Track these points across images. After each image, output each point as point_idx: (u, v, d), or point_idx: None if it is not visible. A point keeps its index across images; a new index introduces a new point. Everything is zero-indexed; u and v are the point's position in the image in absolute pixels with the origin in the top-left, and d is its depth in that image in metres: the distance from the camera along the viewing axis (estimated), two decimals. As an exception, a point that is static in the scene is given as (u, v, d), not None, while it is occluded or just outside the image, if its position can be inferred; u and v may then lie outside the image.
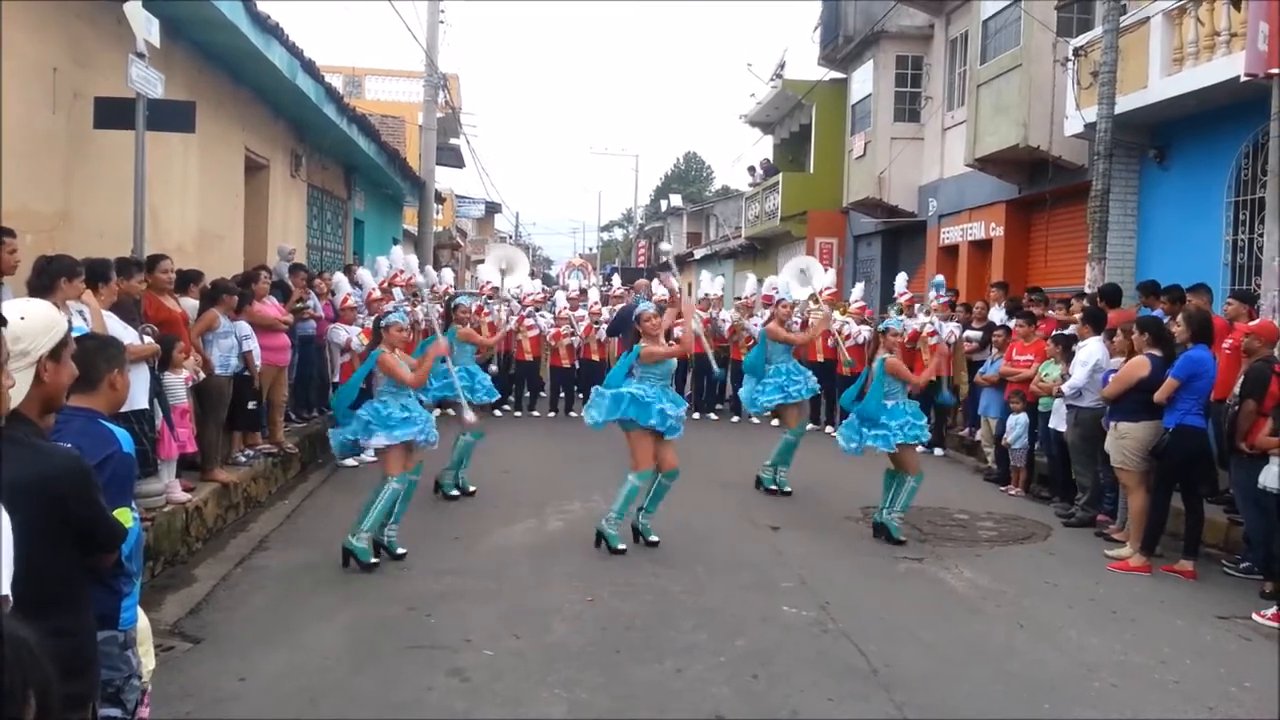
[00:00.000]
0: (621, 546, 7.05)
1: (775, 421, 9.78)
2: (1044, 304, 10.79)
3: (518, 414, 14.15)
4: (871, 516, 7.93)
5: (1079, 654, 5.34)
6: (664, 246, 20.79)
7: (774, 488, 9.25)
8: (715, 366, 10.62)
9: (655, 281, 16.72)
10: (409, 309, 12.00)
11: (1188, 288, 8.68)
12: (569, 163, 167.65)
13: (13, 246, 5.56)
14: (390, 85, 28.97)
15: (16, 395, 2.40)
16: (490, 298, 13.82)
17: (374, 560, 6.52)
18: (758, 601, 6.03)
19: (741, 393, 9.76)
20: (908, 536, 7.73)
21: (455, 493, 8.66)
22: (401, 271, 13.51)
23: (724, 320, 14.32)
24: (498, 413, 13.20)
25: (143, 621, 3.05)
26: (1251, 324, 7.44)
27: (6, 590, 1.70)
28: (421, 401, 7.26)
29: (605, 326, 14.47)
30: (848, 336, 12.75)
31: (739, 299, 14.88)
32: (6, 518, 1.73)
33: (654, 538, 7.24)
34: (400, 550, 6.75)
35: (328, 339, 10.73)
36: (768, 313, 12.67)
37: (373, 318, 9.16)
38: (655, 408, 7.03)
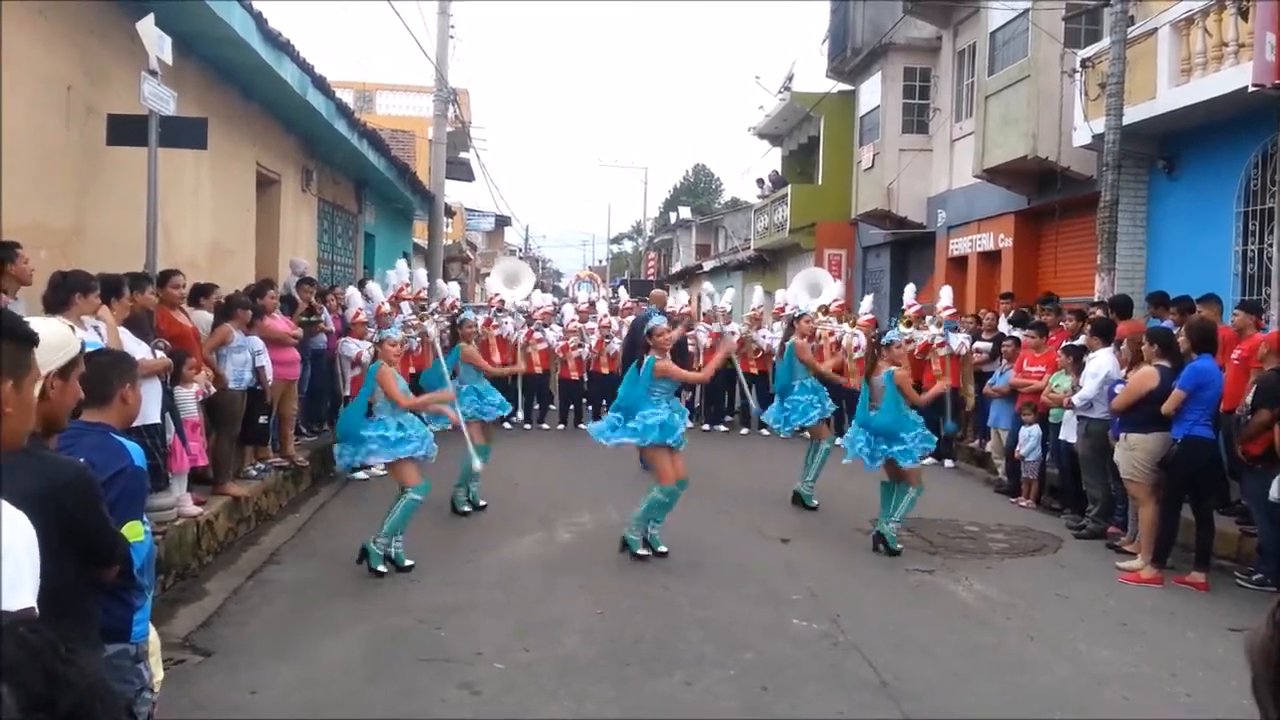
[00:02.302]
0: (642, 552, 7.14)
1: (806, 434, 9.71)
2: (1056, 314, 10.72)
3: (527, 427, 14.17)
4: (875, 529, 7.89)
5: (1090, 666, 5.32)
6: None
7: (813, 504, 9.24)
8: (754, 403, 10.24)
9: (668, 293, 16.71)
10: (415, 323, 12.07)
11: (1197, 298, 8.66)
12: (578, 176, 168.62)
13: (25, 258, 5.60)
14: (400, 100, 29.16)
15: None
16: (500, 310, 13.88)
17: (382, 569, 6.62)
18: (767, 614, 6.03)
19: (768, 414, 9.59)
20: (918, 548, 7.72)
21: (467, 508, 8.63)
22: (407, 285, 13.58)
23: (732, 333, 14.31)
24: (507, 425, 13.20)
25: (152, 635, 3.07)
26: (1261, 335, 7.43)
27: (32, 601, 1.72)
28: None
29: (617, 340, 14.49)
30: (857, 348, 12.73)
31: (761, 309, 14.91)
32: (30, 528, 1.76)
33: (663, 548, 7.26)
34: (408, 562, 6.79)
35: (339, 352, 10.78)
36: (778, 326, 12.69)
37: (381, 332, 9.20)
38: (676, 429, 7.16)
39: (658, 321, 7.53)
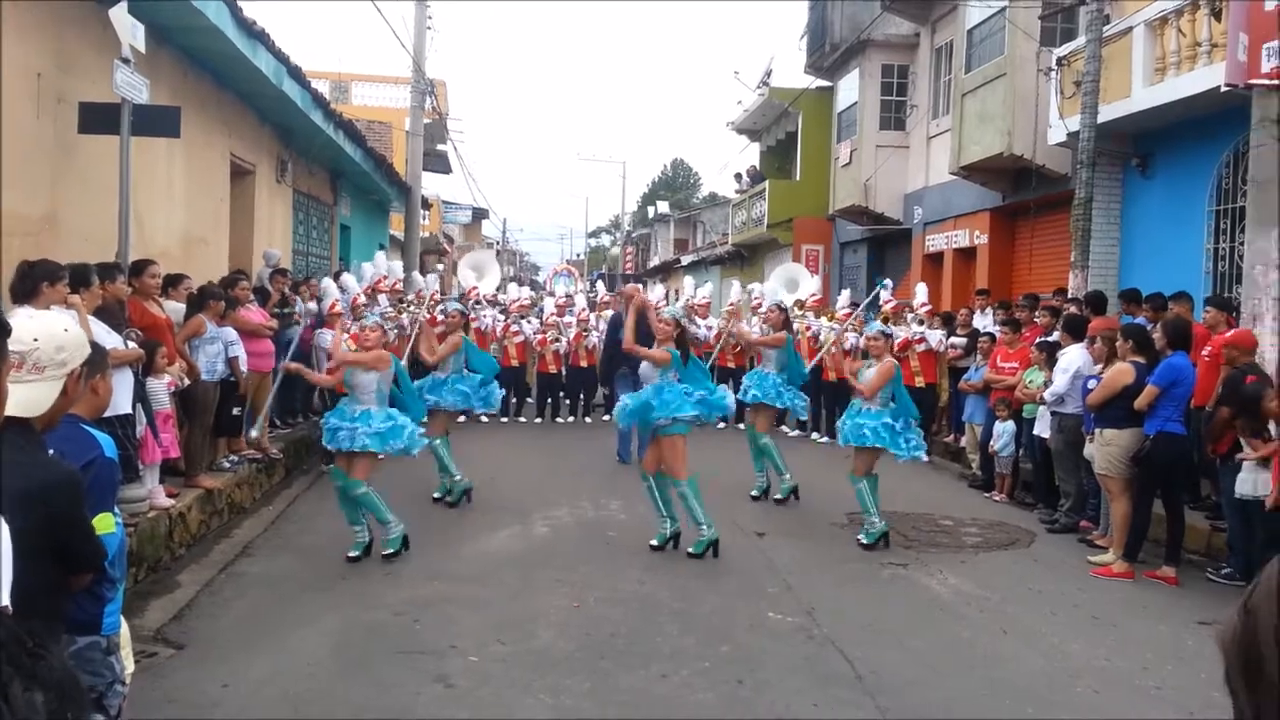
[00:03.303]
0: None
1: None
2: (1031, 309, 10.77)
3: (504, 420, 14.12)
4: (862, 527, 7.86)
5: (1062, 659, 5.37)
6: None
7: (766, 496, 9.28)
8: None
9: (641, 287, 16.74)
10: (393, 315, 12.03)
11: (1169, 296, 8.75)
12: (556, 169, 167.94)
13: None
14: (377, 91, 28.98)
15: (38, 405, 2.41)
16: (476, 303, 13.83)
17: (354, 555, 6.80)
18: (743, 607, 6.04)
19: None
20: (894, 542, 7.74)
21: (463, 496, 8.66)
22: (385, 277, 13.51)
23: (709, 327, 14.33)
24: (484, 418, 13.16)
25: (123, 627, 3.04)
26: (1229, 333, 7.51)
27: (6, 600, 1.70)
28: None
29: (595, 334, 14.45)
30: (835, 342, 12.76)
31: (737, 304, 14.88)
32: (5, 527, 1.74)
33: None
34: (388, 550, 6.87)
35: (314, 344, 10.71)
36: (756, 320, 12.70)
37: (357, 323, 9.13)
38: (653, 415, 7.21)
39: (672, 311, 7.82)
